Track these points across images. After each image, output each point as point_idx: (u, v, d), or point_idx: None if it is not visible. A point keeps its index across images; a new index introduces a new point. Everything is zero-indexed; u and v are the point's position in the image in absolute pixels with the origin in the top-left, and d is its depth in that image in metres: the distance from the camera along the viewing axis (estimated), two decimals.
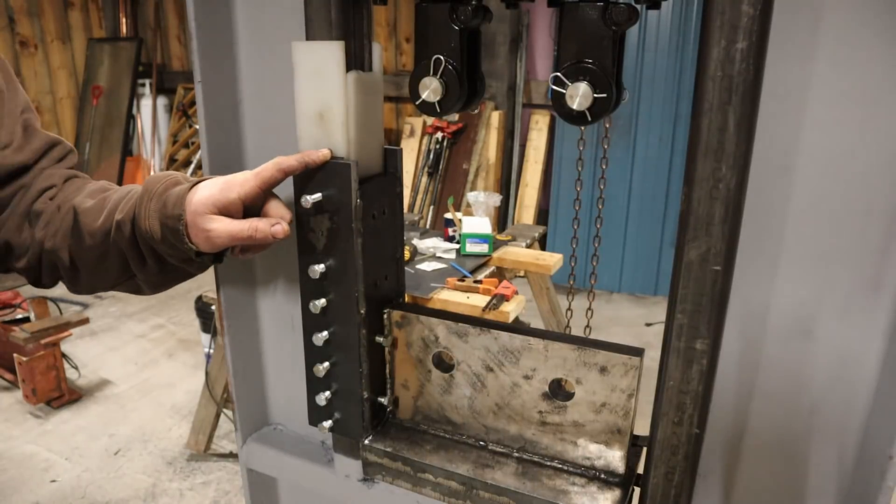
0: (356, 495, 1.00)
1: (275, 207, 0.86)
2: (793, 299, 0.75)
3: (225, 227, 0.83)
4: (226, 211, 0.83)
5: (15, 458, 3.12)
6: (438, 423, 0.97)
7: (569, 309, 1.42)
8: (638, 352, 0.82)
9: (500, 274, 3.10)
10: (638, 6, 0.70)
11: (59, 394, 3.48)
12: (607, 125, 1.03)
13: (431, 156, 5.09)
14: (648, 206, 4.80)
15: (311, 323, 0.89)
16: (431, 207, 5.09)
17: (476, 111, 4.90)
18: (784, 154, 0.71)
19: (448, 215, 3.22)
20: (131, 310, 4.74)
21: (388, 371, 0.96)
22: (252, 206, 0.86)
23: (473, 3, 0.78)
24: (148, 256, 0.89)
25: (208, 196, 0.83)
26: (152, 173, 5.49)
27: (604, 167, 1.15)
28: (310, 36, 0.80)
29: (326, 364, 0.90)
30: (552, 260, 3.10)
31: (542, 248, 4.42)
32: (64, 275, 0.98)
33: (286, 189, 0.97)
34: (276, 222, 0.83)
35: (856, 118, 0.67)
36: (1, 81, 0.96)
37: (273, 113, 0.96)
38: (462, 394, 0.93)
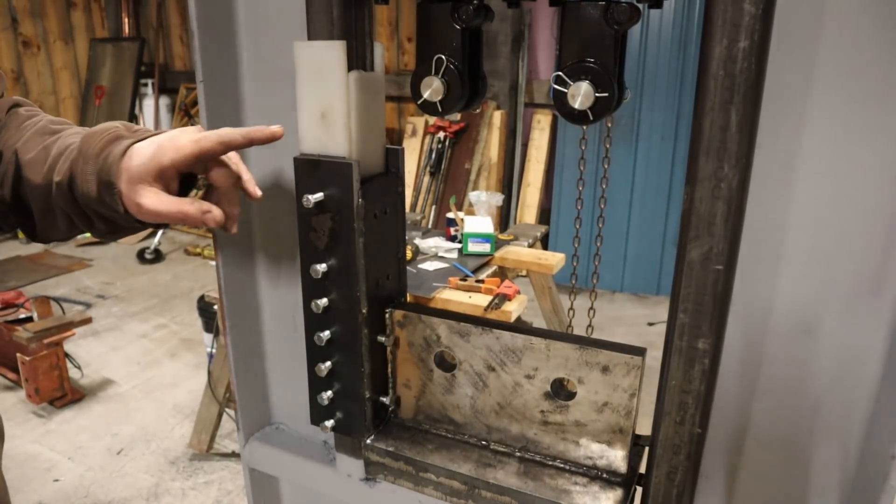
0: (358, 495, 1.00)
1: (219, 176, 0.82)
2: (795, 298, 0.75)
3: (153, 205, 0.78)
4: (160, 178, 0.79)
5: (18, 457, 3.12)
6: (440, 422, 0.97)
7: (571, 308, 1.42)
8: (640, 351, 0.82)
9: (502, 273, 3.09)
10: (640, 5, 0.70)
11: (62, 393, 3.48)
12: (609, 124, 1.03)
13: (433, 155, 5.09)
14: (650, 206, 4.80)
15: (312, 322, 0.89)
16: (433, 207, 5.09)
17: (478, 111, 4.90)
18: (786, 153, 0.71)
19: (450, 215, 3.22)
20: (134, 309, 4.75)
21: (389, 370, 0.96)
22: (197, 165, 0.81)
23: (475, 2, 0.78)
24: (93, 217, 0.85)
25: (142, 163, 0.78)
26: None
27: (606, 166, 1.15)
28: (311, 36, 0.80)
29: (328, 363, 0.90)
30: (554, 259, 3.10)
31: (544, 247, 4.42)
32: (19, 224, 0.93)
33: (286, 188, 0.97)
34: (207, 210, 0.80)
35: (859, 117, 0.67)
36: None
37: (275, 113, 0.96)
38: (464, 393, 0.93)
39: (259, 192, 0.86)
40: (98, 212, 0.84)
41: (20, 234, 1.03)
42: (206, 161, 0.82)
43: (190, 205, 0.80)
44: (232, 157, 0.86)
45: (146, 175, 0.78)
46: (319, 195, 0.82)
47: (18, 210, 0.90)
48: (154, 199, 0.79)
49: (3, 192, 0.90)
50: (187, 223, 0.80)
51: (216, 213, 0.81)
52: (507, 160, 5.20)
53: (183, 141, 0.79)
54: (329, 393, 0.92)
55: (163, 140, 0.80)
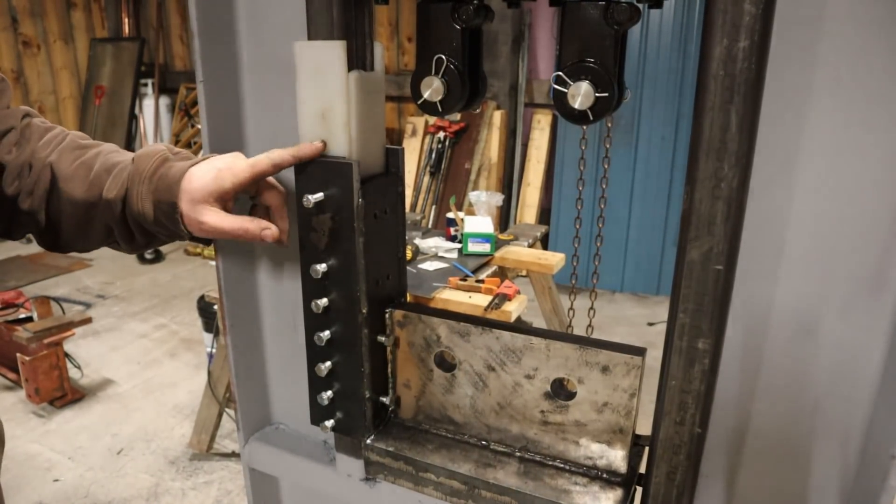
0: (358, 495, 1.00)
1: (272, 196, 0.90)
2: (795, 298, 0.75)
3: (217, 223, 0.85)
4: (221, 199, 0.86)
5: (18, 457, 3.12)
6: (440, 422, 0.97)
7: (571, 308, 1.42)
8: (640, 351, 0.82)
9: (502, 273, 3.09)
10: (640, 5, 0.70)
11: (62, 393, 3.48)
12: (609, 124, 1.03)
13: (433, 155, 5.09)
14: (650, 206, 4.80)
15: (312, 322, 0.89)
16: (433, 207, 5.09)
17: (478, 111, 4.90)
18: (786, 153, 0.71)
19: (450, 215, 3.22)
20: (134, 309, 4.75)
21: (389, 370, 0.96)
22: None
23: (475, 2, 0.78)
24: (137, 233, 0.91)
25: (203, 186, 0.85)
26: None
27: (606, 166, 1.15)
28: (312, 36, 0.80)
29: (328, 363, 0.90)
30: (554, 259, 3.09)
31: (544, 247, 4.42)
32: (38, 234, 0.97)
33: (286, 188, 0.97)
34: (266, 227, 0.86)
35: (858, 116, 0.67)
36: None
37: (275, 112, 0.96)
38: (464, 393, 0.93)
39: (319, 145, 0.87)
40: (145, 228, 0.90)
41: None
42: (259, 182, 0.89)
43: (251, 222, 0.86)
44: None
45: (208, 197, 0.85)
46: (319, 195, 0.82)
47: (44, 220, 0.94)
48: (217, 218, 0.85)
49: (32, 203, 0.93)
50: (246, 238, 0.87)
51: (274, 229, 0.87)
52: (507, 160, 5.20)
53: (241, 166, 0.85)
54: (329, 393, 0.92)
55: (221, 166, 0.86)
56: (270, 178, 0.90)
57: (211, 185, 0.85)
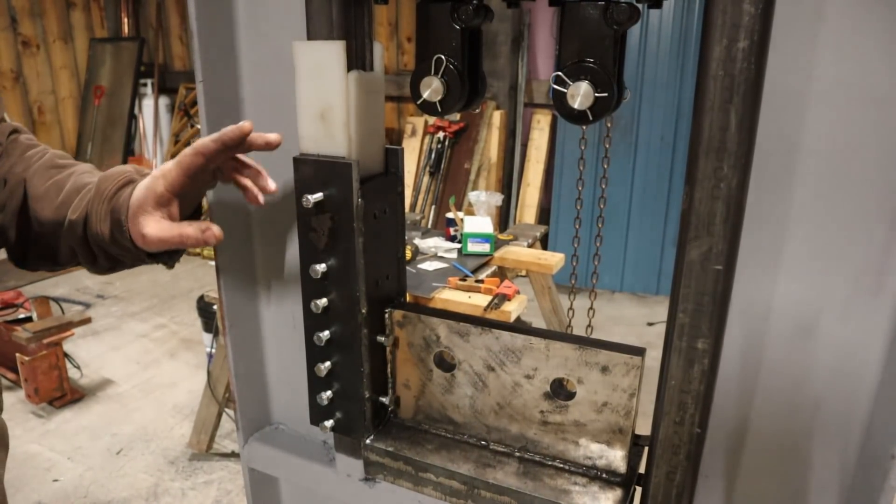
0: (358, 495, 1.00)
1: (239, 170, 0.87)
2: (794, 298, 0.75)
3: (156, 232, 0.83)
4: (159, 205, 0.84)
5: (17, 457, 3.12)
6: (440, 422, 0.97)
7: (570, 308, 1.42)
8: (639, 351, 0.82)
9: (501, 273, 3.09)
10: (639, 5, 0.70)
11: (62, 393, 3.48)
12: (609, 124, 1.03)
13: (433, 155, 5.09)
14: (650, 206, 4.80)
15: (312, 322, 0.89)
16: (433, 207, 5.09)
17: (477, 111, 4.90)
18: (786, 153, 0.71)
19: (450, 215, 3.22)
20: (133, 309, 4.75)
21: (389, 371, 0.96)
22: (201, 180, 0.86)
23: (475, 2, 0.78)
24: (99, 255, 0.90)
25: (140, 195, 0.84)
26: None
27: (605, 166, 1.15)
28: (311, 35, 0.80)
29: (328, 364, 0.90)
30: (554, 259, 3.10)
31: (544, 247, 4.42)
32: (8, 250, 0.97)
33: (286, 188, 0.97)
34: (206, 227, 0.84)
35: (858, 117, 0.67)
36: None
37: (274, 112, 0.96)
38: (463, 393, 0.93)
39: (272, 186, 0.88)
40: (105, 250, 0.89)
41: None
42: (198, 175, 0.85)
43: (188, 226, 0.84)
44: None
45: (145, 204, 0.83)
46: (319, 195, 0.82)
47: (13, 237, 0.94)
48: (156, 227, 0.83)
49: (3, 218, 0.93)
50: (189, 244, 0.84)
51: (215, 229, 0.85)
52: (506, 160, 5.20)
53: (169, 166, 0.84)
54: (329, 393, 0.92)
55: (155, 171, 0.85)
56: (239, 158, 0.88)
57: (146, 192, 0.84)
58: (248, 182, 0.89)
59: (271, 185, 0.87)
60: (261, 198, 0.88)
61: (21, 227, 0.93)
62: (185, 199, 0.88)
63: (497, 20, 4.77)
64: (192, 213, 0.91)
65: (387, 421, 0.99)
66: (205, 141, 0.82)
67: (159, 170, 0.85)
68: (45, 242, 0.92)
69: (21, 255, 0.96)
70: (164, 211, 0.85)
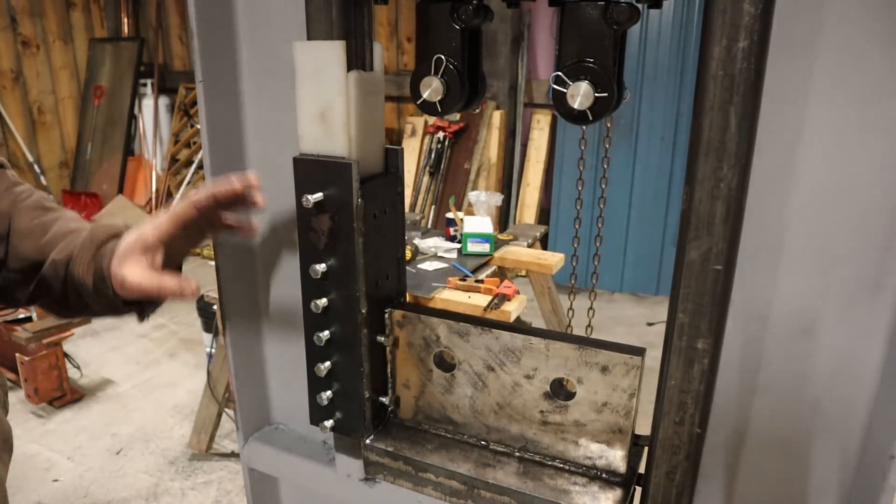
0: (357, 495, 1.00)
1: (218, 216, 0.89)
2: (794, 298, 0.75)
3: (135, 278, 0.85)
4: (146, 252, 0.86)
5: (17, 457, 3.11)
6: (440, 422, 0.97)
7: (570, 308, 1.42)
8: (639, 351, 0.82)
9: (501, 273, 3.09)
10: (639, 5, 0.70)
11: (61, 393, 3.48)
12: (609, 124, 1.03)
13: (433, 155, 5.09)
14: (650, 206, 4.80)
15: (312, 322, 0.89)
16: (433, 207, 5.09)
17: (477, 111, 4.90)
18: (785, 153, 0.71)
19: (449, 215, 3.22)
20: None
21: (389, 371, 0.96)
22: (190, 234, 0.89)
23: (474, 2, 0.78)
24: (73, 298, 0.91)
25: (127, 242, 0.86)
26: (154, 174, 5.43)
27: (605, 166, 1.15)
28: (311, 35, 0.80)
29: (328, 364, 0.90)
30: (553, 259, 3.09)
31: (544, 247, 4.42)
32: None
33: (286, 188, 0.97)
34: (183, 280, 0.85)
35: (857, 117, 0.67)
36: None
37: (274, 112, 0.96)
38: (463, 393, 0.93)
39: (238, 185, 0.88)
40: (80, 293, 0.90)
41: None
42: (188, 227, 0.88)
43: (168, 278, 0.86)
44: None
45: (132, 251, 0.85)
46: (319, 195, 0.82)
47: None
48: (137, 273, 0.85)
49: None
50: (165, 295, 0.86)
51: (193, 283, 0.86)
52: (506, 160, 5.20)
53: (161, 218, 0.86)
54: (328, 393, 0.92)
55: (146, 223, 0.88)
56: (208, 212, 0.89)
57: (135, 238, 0.86)
58: (236, 220, 0.91)
59: (259, 198, 0.89)
60: (255, 225, 0.91)
61: None
62: (172, 252, 0.90)
63: (497, 20, 4.77)
64: (174, 269, 0.92)
65: (387, 421, 0.99)
66: (198, 195, 0.85)
67: (150, 219, 0.88)
68: (14, 278, 0.93)
69: None
70: (149, 258, 0.86)
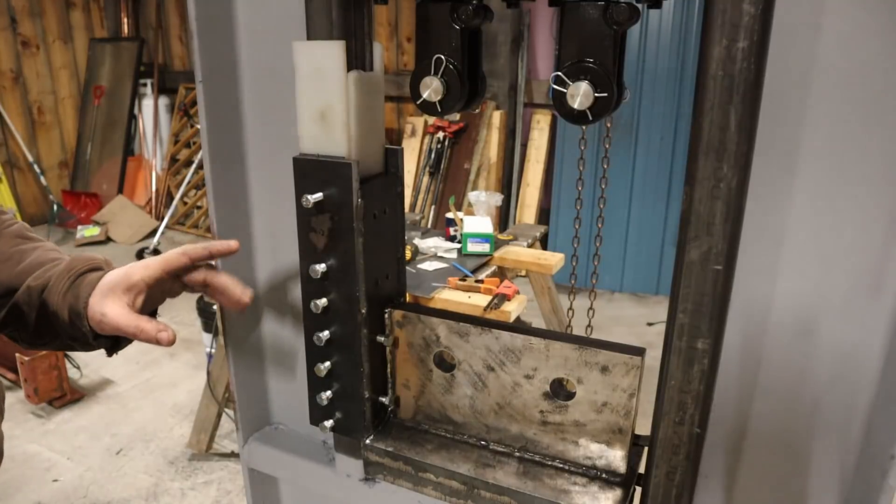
0: (357, 495, 1.00)
1: (202, 274, 0.90)
2: (794, 298, 0.75)
3: (115, 316, 0.84)
4: (129, 291, 0.86)
5: (17, 457, 3.12)
6: (440, 422, 0.97)
7: (570, 308, 1.42)
8: (639, 351, 0.82)
9: (501, 273, 3.09)
10: (639, 5, 0.70)
11: (61, 393, 3.48)
12: (609, 124, 1.03)
13: (433, 155, 5.09)
14: (650, 206, 4.80)
15: (312, 322, 0.89)
16: (433, 207, 5.09)
17: (477, 111, 4.90)
18: (785, 153, 0.71)
19: (449, 215, 3.22)
20: None
21: (389, 371, 0.96)
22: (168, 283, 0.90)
23: (474, 2, 0.78)
24: (43, 326, 0.91)
25: (113, 278, 0.86)
26: (153, 174, 5.42)
27: (605, 166, 1.15)
28: (311, 36, 0.80)
29: (328, 364, 0.90)
30: (553, 259, 3.10)
31: (544, 247, 4.42)
32: None
33: (285, 188, 0.97)
34: (162, 329, 0.84)
35: (857, 117, 0.67)
36: None
37: (274, 112, 0.96)
38: (463, 393, 0.93)
39: (248, 297, 0.91)
40: (51, 322, 0.90)
41: None
42: (174, 275, 0.89)
43: (147, 322, 0.85)
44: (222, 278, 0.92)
45: (115, 287, 0.85)
46: (319, 195, 0.82)
47: None
48: (117, 311, 0.84)
49: None
50: (141, 338, 0.85)
51: (170, 333, 0.85)
52: (506, 160, 5.20)
53: (152, 261, 0.87)
54: (328, 393, 0.92)
55: (134, 263, 0.88)
56: (195, 266, 0.91)
57: (119, 278, 0.86)
58: (225, 286, 0.91)
59: (247, 297, 0.90)
60: (246, 298, 0.91)
61: None
62: (151, 297, 0.90)
63: (497, 20, 4.77)
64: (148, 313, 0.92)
65: (386, 421, 0.99)
66: (196, 247, 0.86)
67: (140, 262, 0.89)
68: None
69: None
70: (130, 298, 0.86)
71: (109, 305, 0.84)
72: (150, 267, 0.86)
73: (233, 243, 0.86)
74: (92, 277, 0.88)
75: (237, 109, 0.98)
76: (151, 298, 0.91)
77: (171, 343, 0.86)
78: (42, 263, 0.92)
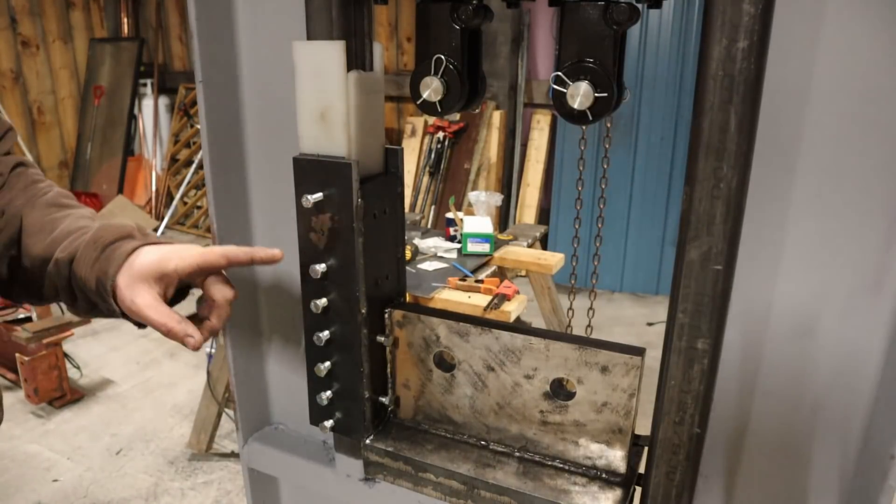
0: (357, 495, 1.00)
1: (217, 290, 0.88)
2: (794, 298, 0.75)
3: (145, 307, 0.82)
4: (161, 280, 0.84)
5: (17, 457, 3.12)
6: (439, 422, 0.97)
7: (570, 308, 1.42)
8: (639, 351, 0.82)
9: (501, 273, 3.09)
10: (639, 5, 0.70)
11: (61, 393, 3.48)
12: (609, 124, 1.03)
13: (433, 155, 5.09)
14: (650, 206, 4.80)
15: (312, 322, 0.89)
16: (433, 207, 5.09)
17: (477, 111, 4.90)
18: (785, 153, 0.71)
19: (449, 215, 3.22)
20: None
21: (389, 371, 0.96)
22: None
23: (474, 2, 0.78)
24: (80, 298, 0.89)
25: (146, 263, 0.83)
26: (153, 174, 5.42)
27: (605, 166, 1.15)
28: (311, 35, 0.80)
29: (328, 364, 0.90)
30: (553, 259, 3.10)
31: (544, 247, 4.42)
32: None
33: (286, 188, 0.97)
34: (189, 334, 0.83)
35: (857, 117, 0.67)
36: None
37: (274, 113, 0.96)
38: (463, 393, 0.93)
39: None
40: (86, 294, 0.88)
41: None
42: (208, 273, 0.87)
43: (178, 323, 0.83)
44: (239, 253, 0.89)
45: (147, 276, 0.83)
46: (319, 195, 0.82)
47: (4, 270, 0.94)
48: (148, 302, 0.82)
49: None
50: (167, 336, 0.84)
51: (198, 338, 0.84)
52: (506, 160, 5.20)
53: (190, 252, 0.84)
54: (328, 393, 0.92)
55: (170, 248, 0.85)
56: (222, 275, 0.89)
57: (153, 264, 0.83)
58: (220, 300, 0.89)
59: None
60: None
61: (11, 259, 0.93)
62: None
63: (497, 20, 4.77)
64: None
65: (386, 421, 0.99)
66: (237, 251, 0.84)
67: (174, 248, 0.85)
68: (30, 278, 0.92)
69: (7, 288, 0.96)
70: (161, 288, 0.84)
71: (140, 295, 0.82)
72: (185, 259, 0.83)
73: (277, 252, 0.84)
74: (120, 251, 0.85)
75: (237, 109, 0.98)
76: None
77: (196, 348, 0.85)
78: (70, 233, 0.89)
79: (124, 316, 0.87)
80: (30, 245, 0.90)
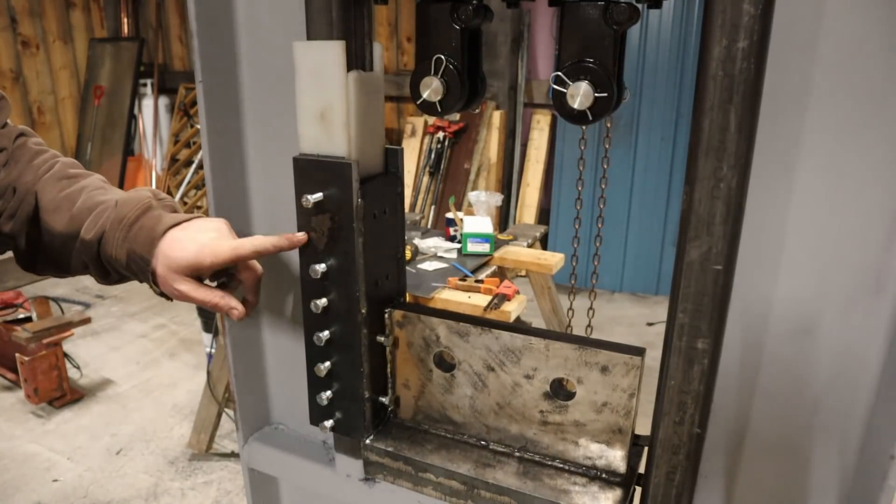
0: (357, 495, 1.00)
1: (247, 275, 0.94)
2: (794, 298, 0.75)
3: (190, 292, 0.88)
4: (196, 272, 0.88)
5: (17, 457, 3.12)
6: (440, 422, 0.97)
7: (570, 308, 1.42)
8: (639, 351, 0.82)
9: (501, 273, 3.09)
10: (639, 5, 0.70)
11: (61, 393, 3.48)
12: (609, 124, 1.03)
13: (433, 155, 5.09)
14: (650, 206, 4.80)
15: (312, 322, 0.89)
16: (433, 207, 5.09)
17: (477, 111, 4.90)
18: (785, 153, 0.71)
19: (449, 215, 3.22)
20: (133, 310, 4.75)
21: (389, 371, 0.96)
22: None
23: (474, 2, 0.78)
24: (112, 272, 0.93)
25: (183, 258, 0.87)
26: (153, 174, 5.42)
27: (605, 167, 1.15)
28: (311, 35, 0.80)
29: (327, 364, 0.90)
30: (553, 259, 3.09)
31: (544, 247, 4.42)
32: (17, 255, 0.98)
33: (286, 188, 0.97)
34: (234, 307, 0.90)
35: (857, 116, 0.67)
36: None
37: (274, 112, 0.96)
38: (463, 393, 0.93)
39: (302, 236, 0.90)
40: (118, 270, 0.92)
41: None
42: (238, 263, 0.92)
43: (221, 298, 0.89)
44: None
45: (185, 270, 0.87)
46: (319, 195, 0.82)
47: (24, 244, 0.95)
48: (191, 288, 0.88)
49: (13, 226, 0.94)
50: (214, 311, 0.91)
51: (241, 309, 0.91)
52: (506, 160, 5.20)
53: (223, 248, 0.87)
54: (328, 393, 0.92)
55: (204, 241, 0.88)
56: (252, 261, 0.94)
57: (190, 260, 0.86)
58: (249, 281, 0.95)
59: (301, 235, 0.89)
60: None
61: (31, 236, 0.94)
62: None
63: (497, 20, 4.77)
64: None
65: (386, 421, 0.99)
66: (265, 242, 0.87)
67: (208, 240, 0.88)
68: (55, 252, 0.94)
69: (30, 262, 0.98)
70: (196, 276, 0.89)
71: (181, 284, 0.87)
72: (219, 256, 0.87)
73: (301, 236, 0.86)
74: (146, 229, 0.88)
75: (237, 109, 0.98)
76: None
77: (240, 319, 0.91)
78: (91, 209, 0.92)
79: (161, 294, 0.92)
80: (50, 222, 0.92)
